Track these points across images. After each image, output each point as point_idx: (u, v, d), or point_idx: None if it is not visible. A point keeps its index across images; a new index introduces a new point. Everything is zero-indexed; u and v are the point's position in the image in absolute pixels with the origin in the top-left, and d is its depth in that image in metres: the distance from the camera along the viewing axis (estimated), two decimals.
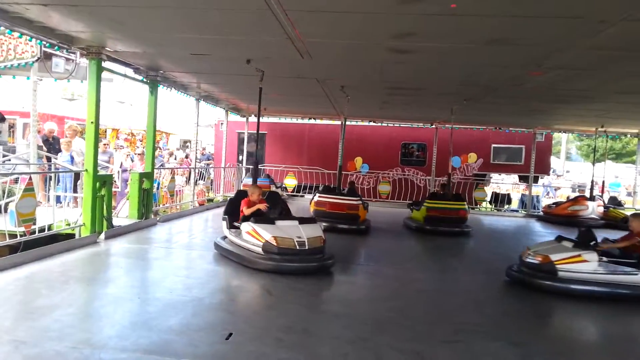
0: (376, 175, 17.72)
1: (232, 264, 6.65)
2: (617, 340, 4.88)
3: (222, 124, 17.22)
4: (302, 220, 6.81)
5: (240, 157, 18.31)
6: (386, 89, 10.20)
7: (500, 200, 17.36)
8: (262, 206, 7.08)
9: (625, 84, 8.16)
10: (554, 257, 6.16)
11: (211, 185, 17.57)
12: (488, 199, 17.81)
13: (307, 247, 6.29)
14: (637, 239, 6.19)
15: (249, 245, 6.50)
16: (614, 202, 14.93)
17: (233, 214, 7.40)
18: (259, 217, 6.85)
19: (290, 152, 18.54)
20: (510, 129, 17.06)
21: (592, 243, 6.33)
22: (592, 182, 14.48)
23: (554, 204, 15.27)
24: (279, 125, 18.66)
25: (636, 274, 5.90)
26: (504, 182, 21.66)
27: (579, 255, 6.07)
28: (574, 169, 38.34)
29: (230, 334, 4.14)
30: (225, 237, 7.35)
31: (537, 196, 18.14)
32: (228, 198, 7.83)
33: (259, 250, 6.29)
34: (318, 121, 18.00)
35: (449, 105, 11.48)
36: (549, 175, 21.60)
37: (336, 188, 11.15)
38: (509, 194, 18.48)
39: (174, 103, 22.87)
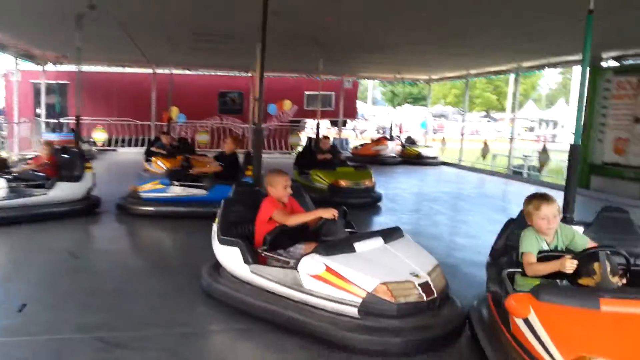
0: (194, 125, 17.35)
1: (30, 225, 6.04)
2: None
3: (12, 73, 15.09)
4: (386, 235, 3.81)
5: (38, 111, 16.38)
6: (192, 35, 9.91)
7: (311, 143, 18.36)
8: (330, 213, 3.84)
9: (412, 35, 9.09)
10: None
11: (2, 144, 15.47)
12: (303, 143, 18.67)
13: (436, 295, 3.36)
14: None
15: (320, 301, 3.36)
16: (410, 141, 16.85)
17: (236, 227, 4.27)
18: (304, 236, 3.94)
19: (98, 104, 17.10)
20: (321, 76, 17.90)
21: None
22: (391, 124, 16.12)
23: (360, 145, 16.67)
24: (84, 74, 16.94)
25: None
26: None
27: None
28: (379, 113, 41.94)
29: (24, 305, 3.83)
30: (217, 271, 4.19)
31: (347, 139, 19.55)
32: (222, 201, 4.39)
33: (351, 311, 3.24)
34: (128, 69, 16.84)
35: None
36: (356, 119, 23.36)
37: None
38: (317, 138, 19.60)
39: None
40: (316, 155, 9.30)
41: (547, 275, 2.99)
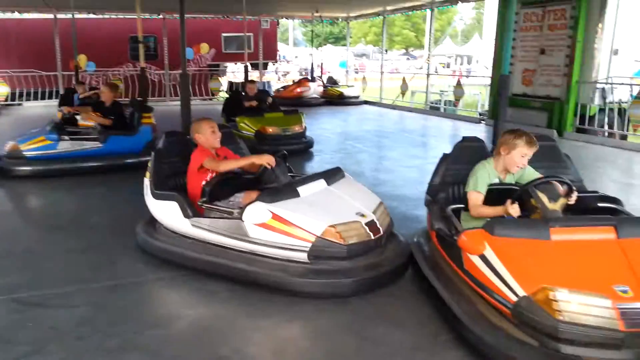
0: (105, 74, 16.36)
1: None
2: None
3: None
4: (329, 177, 3.75)
5: None
6: None
7: (236, 88, 17.91)
8: (264, 159, 3.67)
9: None
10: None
11: None
12: (224, 88, 18.19)
13: (382, 232, 3.41)
14: None
15: (268, 249, 3.32)
16: (331, 81, 16.85)
17: (170, 180, 4.06)
18: (246, 185, 3.82)
19: None
20: (238, 17, 17.30)
21: None
22: (312, 65, 15.99)
23: (282, 87, 16.49)
24: None
25: None
26: (239, 72, 22.22)
27: None
28: (301, 54, 41.38)
29: None
30: (152, 227, 4.02)
31: (269, 82, 19.20)
32: (152, 152, 4.17)
33: (300, 256, 3.23)
34: (26, 15, 15.45)
35: None
36: (276, 61, 22.93)
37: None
38: (243, 82, 19.14)
39: None
40: (242, 102, 8.86)
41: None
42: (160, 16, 16.02)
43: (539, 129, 9.37)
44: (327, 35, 45.09)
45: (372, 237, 3.29)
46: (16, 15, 15.22)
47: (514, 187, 3.05)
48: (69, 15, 14.89)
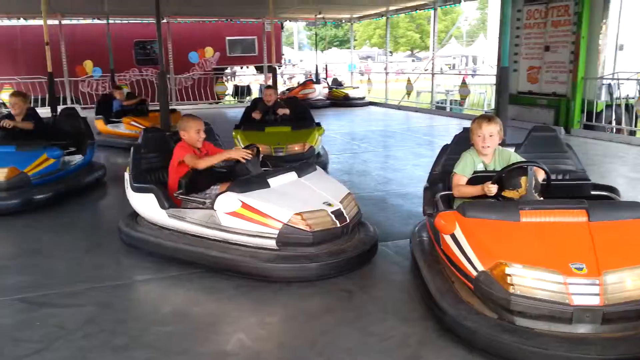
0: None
1: None
2: None
3: None
4: (300, 170, 3.93)
5: None
6: None
7: (241, 92, 17.97)
8: (239, 154, 3.89)
9: None
10: None
11: None
12: (230, 92, 18.25)
13: (348, 221, 3.56)
14: None
15: (239, 237, 3.47)
16: (336, 83, 16.86)
17: (149, 174, 4.23)
18: (225, 178, 3.97)
19: (3, 61, 15.82)
20: (241, 20, 17.36)
21: None
22: (317, 67, 16.00)
23: (287, 89, 16.51)
24: None
25: None
26: (244, 75, 22.32)
27: None
28: (306, 58, 41.41)
29: None
30: (135, 220, 4.13)
31: None
32: (132, 148, 4.27)
33: (269, 243, 3.39)
34: (30, 22, 15.56)
35: None
36: (281, 64, 22.91)
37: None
38: (249, 86, 19.18)
39: None
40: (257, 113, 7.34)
41: (477, 196, 3.11)
42: (165, 20, 16.06)
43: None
44: (331, 39, 45.19)
45: (338, 225, 3.45)
46: (22, 22, 15.31)
47: (496, 172, 3.14)
48: (74, 21, 15.06)
